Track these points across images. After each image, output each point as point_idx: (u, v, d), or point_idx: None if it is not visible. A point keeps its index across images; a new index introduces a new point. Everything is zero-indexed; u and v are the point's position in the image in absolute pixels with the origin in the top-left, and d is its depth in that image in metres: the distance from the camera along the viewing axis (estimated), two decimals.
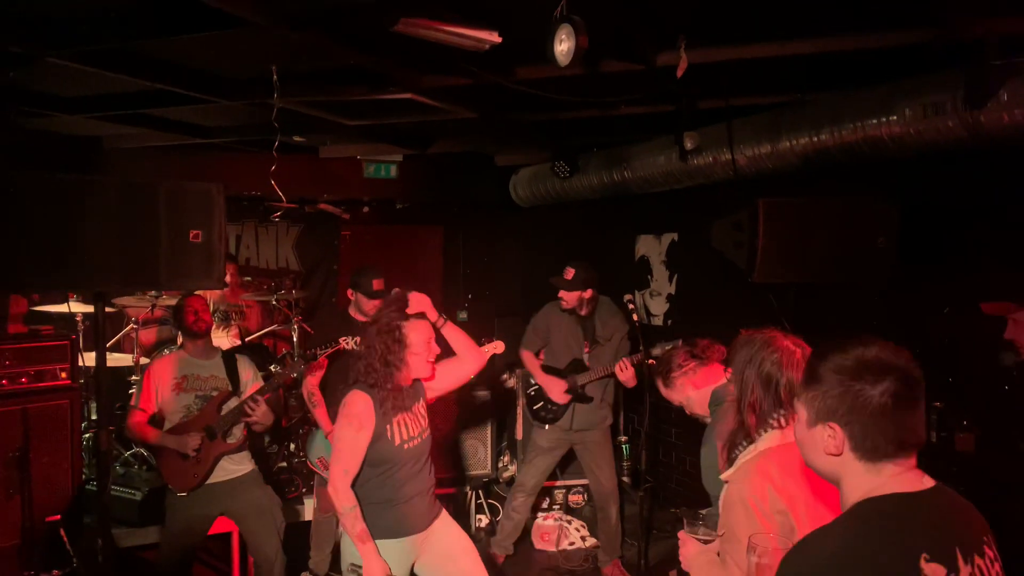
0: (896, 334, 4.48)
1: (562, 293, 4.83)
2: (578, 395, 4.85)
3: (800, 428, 1.56)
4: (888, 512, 1.41)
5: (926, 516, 1.42)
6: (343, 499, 3.04)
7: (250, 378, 4.22)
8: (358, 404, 3.09)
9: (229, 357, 4.23)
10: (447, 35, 2.87)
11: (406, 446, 3.16)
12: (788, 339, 2.19)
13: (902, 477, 1.45)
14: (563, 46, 2.38)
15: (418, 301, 3.27)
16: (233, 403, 4.05)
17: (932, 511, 1.44)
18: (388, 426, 3.11)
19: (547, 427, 4.95)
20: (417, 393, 3.31)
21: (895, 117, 3.54)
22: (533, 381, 5.03)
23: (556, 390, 4.86)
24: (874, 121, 3.63)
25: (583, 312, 4.87)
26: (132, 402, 4.05)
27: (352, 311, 4.68)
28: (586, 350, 4.88)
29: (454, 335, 3.42)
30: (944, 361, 4.06)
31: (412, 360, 3.19)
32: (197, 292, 4.33)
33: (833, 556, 1.36)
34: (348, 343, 4.56)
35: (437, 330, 3.34)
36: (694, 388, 3.07)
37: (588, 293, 4.81)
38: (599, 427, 5.01)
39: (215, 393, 4.07)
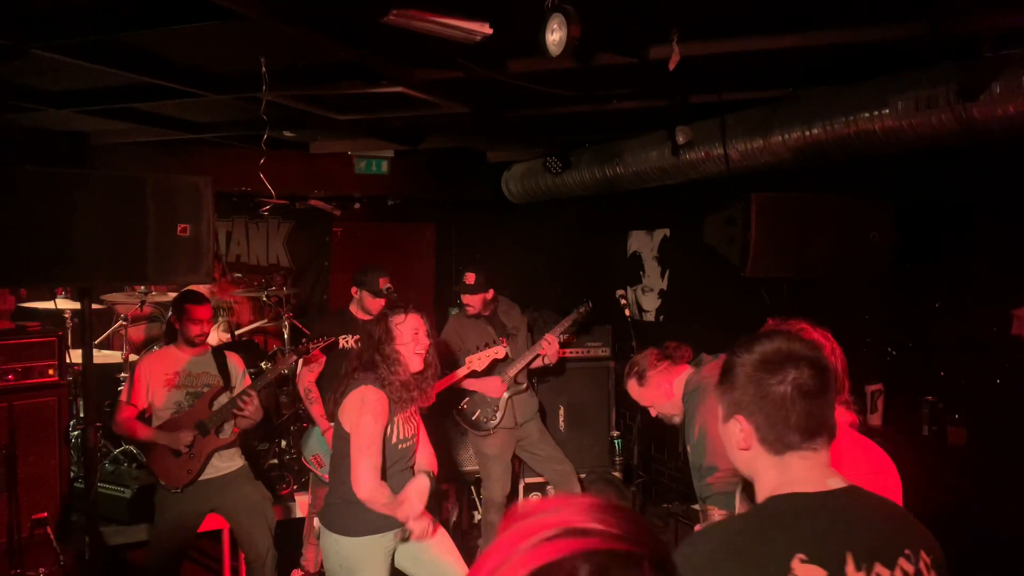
0: (890, 328, 4.50)
1: (466, 299, 4.85)
2: (513, 386, 4.88)
3: (720, 427, 1.54)
4: (779, 510, 1.39)
5: (817, 516, 1.38)
6: (381, 493, 3.04)
7: (240, 374, 4.19)
8: (375, 397, 3.08)
9: (219, 353, 4.20)
10: (438, 26, 2.85)
11: (400, 446, 3.18)
12: (817, 331, 2.16)
13: (809, 475, 1.42)
14: (555, 36, 2.36)
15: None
16: (224, 398, 4.02)
17: (827, 511, 1.39)
18: (390, 424, 3.13)
19: (492, 433, 4.92)
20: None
21: (887, 111, 3.53)
22: (460, 395, 4.95)
23: (491, 386, 4.84)
24: (866, 115, 3.62)
25: (487, 313, 4.90)
26: (122, 397, 4.00)
27: (354, 308, 4.65)
28: (503, 344, 4.90)
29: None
30: (936, 355, 4.07)
31: (403, 352, 3.16)
32: (201, 295, 4.22)
33: (713, 550, 1.36)
34: (348, 342, 4.54)
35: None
36: (668, 385, 3.12)
37: (491, 294, 4.87)
38: (536, 416, 5.07)
39: (206, 389, 4.03)
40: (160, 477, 3.93)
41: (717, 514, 2.60)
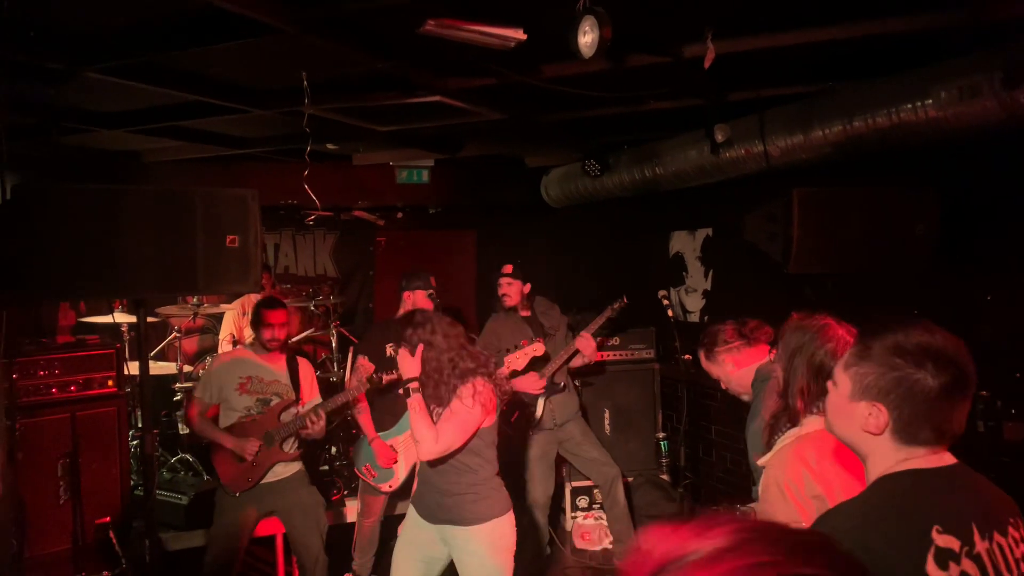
0: (939, 323, 4.40)
1: (504, 286, 4.89)
2: (551, 385, 4.88)
3: (836, 398, 1.54)
4: (905, 486, 1.43)
5: (943, 490, 1.43)
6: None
7: (308, 386, 4.27)
8: (487, 390, 3.11)
9: (292, 361, 4.28)
10: (473, 34, 2.90)
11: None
12: (842, 327, 2.15)
13: (927, 458, 1.46)
14: (587, 38, 2.39)
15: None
16: (293, 411, 4.11)
17: (950, 486, 1.44)
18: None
19: (532, 434, 4.94)
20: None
21: (930, 101, 3.47)
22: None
23: (529, 383, 4.84)
24: (908, 106, 3.56)
25: (525, 312, 4.93)
26: (196, 393, 4.13)
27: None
28: (540, 342, 4.90)
29: (411, 412, 3.13)
30: (990, 350, 3.97)
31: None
32: (277, 300, 4.32)
33: (850, 529, 1.37)
34: (393, 351, 4.60)
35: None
36: (736, 366, 3.09)
37: (527, 287, 4.92)
38: (576, 416, 5.07)
39: (275, 399, 4.12)
40: (222, 478, 4.04)
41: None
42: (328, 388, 5.96)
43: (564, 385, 4.97)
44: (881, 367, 1.45)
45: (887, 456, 1.47)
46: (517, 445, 5.22)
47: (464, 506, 3.17)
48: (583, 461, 5.08)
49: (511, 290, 4.89)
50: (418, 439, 3.08)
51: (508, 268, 4.92)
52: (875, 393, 1.46)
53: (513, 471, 4.66)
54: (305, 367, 4.31)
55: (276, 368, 4.19)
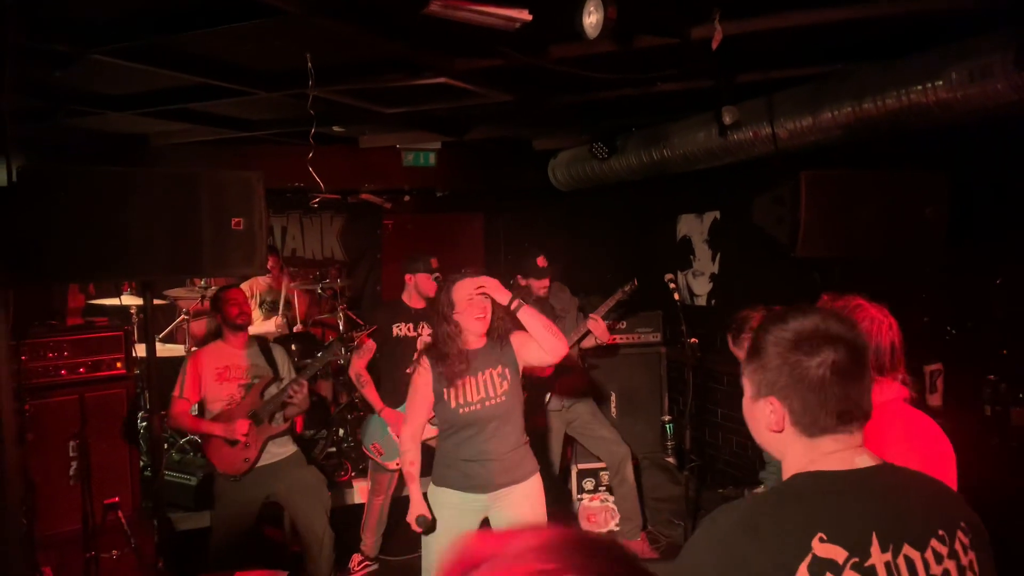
0: (948, 306, 4.38)
1: (535, 283, 4.89)
2: (560, 368, 4.87)
3: (745, 403, 1.49)
4: (802, 488, 1.36)
5: (843, 494, 1.33)
6: (400, 444, 3.41)
7: (287, 365, 4.33)
8: (419, 370, 3.33)
9: (264, 346, 4.33)
10: (478, 15, 2.87)
11: (462, 411, 3.25)
12: (873, 307, 2.11)
13: (839, 455, 1.38)
14: (591, 18, 2.37)
15: (488, 283, 3.26)
16: (274, 389, 4.14)
17: (855, 490, 1.34)
18: (445, 390, 3.27)
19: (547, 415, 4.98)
20: (495, 359, 3.31)
21: (940, 83, 3.43)
22: None
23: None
24: (919, 88, 3.52)
25: (543, 294, 4.92)
26: (175, 392, 4.14)
27: (406, 297, 4.75)
28: None
29: (531, 319, 3.26)
30: (998, 333, 3.95)
31: (461, 319, 3.25)
32: (239, 285, 4.42)
33: (731, 525, 1.32)
34: (401, 330, 4.63)
35: (512, 315, 3.31)
36: None
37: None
38: (587, 397, 5.09)
39: (256, 381, 4.16)
40: (218, 467, 4.07)
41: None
42: (337, 371, 6.00)
43: (571, 368, 4.96)
44: (770, 360, 1.40)
45: (797, 455, 1.40)
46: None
47: (523, 463, 3.36)
48: (592, 440, 5.09)
49: (544, 284, 4.89)
50: (548, 340, 3.23)
51: (542, 261, 4.89)
52: (766, 388, 1.41)
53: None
54: (278, 350, 4.36)
55: (250, 352, 4.24)
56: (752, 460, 5.42)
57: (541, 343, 3.26)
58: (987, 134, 3.74)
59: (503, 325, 3.31)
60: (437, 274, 4.66)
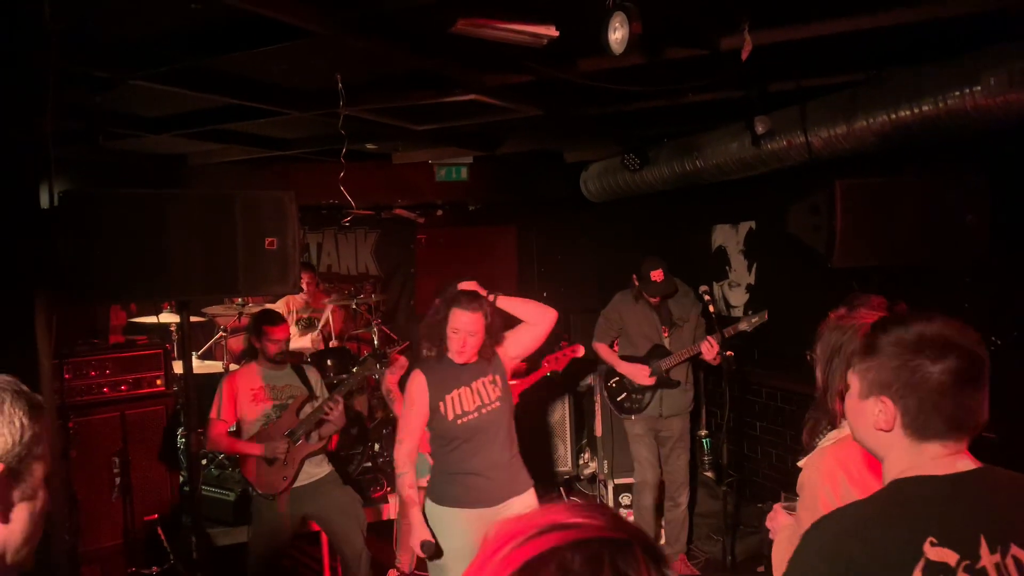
0: (991, 316, 4.26)
1: (653, 298, 4.80)
2: (663, 379, 4.79)
3: (850, 400, 1.50)
4: (907, 494, 1.36)
5: (950, 499, 1.35)
6: (396, 466, 3.27)
7: (320, 385, 4.36)
8: (411, 382, 3.29)
9: (298, 368, 4.37)
10: (504, 32, 2.89)
11: (459, 421, 3.25)
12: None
13: (942, 460, 1.38)
14: (617, 34, 2.36)
15: (466, 284, 3.35)
16: (309, 408, 4.17)
17: (961, 493, 1.35)
18: (441, 402, 3.24)
19: (633, 418, 4.89)
20: (485, 369, 3.34)
21: (979, 88, 3.35)
22: (612, 373, 4.97)
23: (641, 374, 4.79)
24: (956, 93, 3.45)
25: (655, 303, 4.83)
26: (212, 413, 4.16)
27: None
28: (664, 334, 4.83)
29: (511, 304, 3.42)
30: None
31: (449, 341, 3.27)
32: (278, 316, 4.38)
33: (837, 535, 1.33)
34: None
35: (492, 304, 3.34)
36: None
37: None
38: (685, 412, 4.95)
39: (291, 401, 4.19)
40: (257, 486, 4.10)
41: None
42: (373, 386, 6.04)
43: (679, 382, 4.85)
44: (883, 360, 1.41)
45: (901, 457, 1.41)
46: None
47: (521, 472, 3.38)
48: (666, 457, 4.96)
49: (657, 298, 4.82)
50: (531, 311, 3.37)
51: (659, 275, 4.77)
52: (880, 387, 1.41)
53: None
54: (311, 369, 4.40)
55: (285, 373, 4.27)
56: (792, 473, 5.32)
57: (527, 317, 3.39)
58: None
59: (492, 346, 3.32)
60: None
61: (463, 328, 3.21)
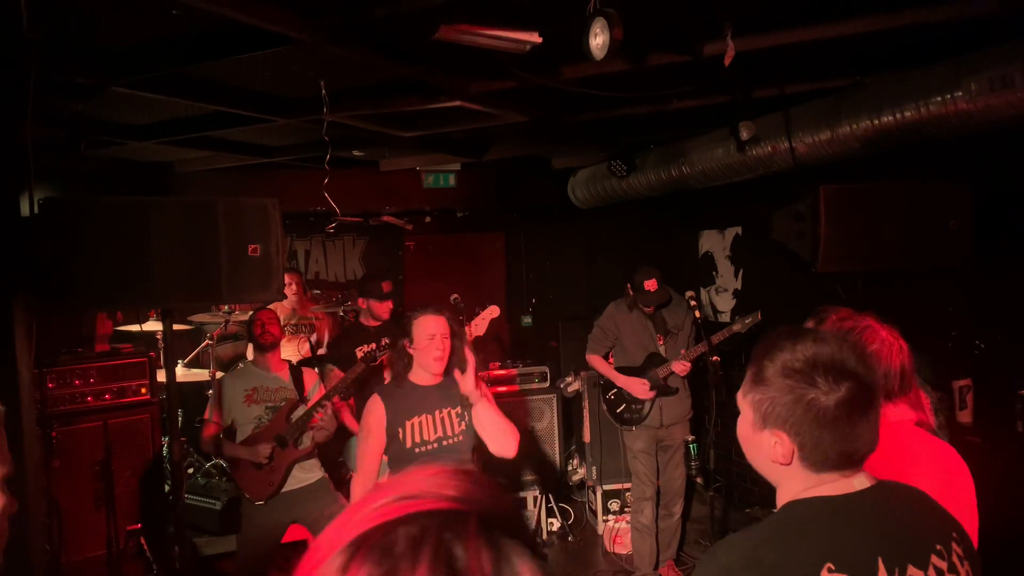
0: (977, 320, 4.27)
1: (647, 307, 4.79)
2: (663, 389, 4.78)
3: (742, 427, 1.44)
4: (803, 517, 1.31)
5: (847, 520, 1.30)
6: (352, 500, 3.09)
7: (314, 385, 4.33)
8: (368, 410, 3.11)
9: (295, 369, 4.34)
10: (487, 39, 2.89)
11: (417, 450, 3.10)
12: (884, 329, 2.07)
13: (835, 483, 1.34)
14: (598, 40, 2.36)
15: (446, 330, 3.15)
16: (300, 411, 4.16)
17: (857, 514, 1.31)
18: (400, 428, 3.09)
19: (635, 428, 4.87)
20: (452, 398, 3.18)
21: (960, 93, 3.37)
22: (610, 385, 4.93)
23: (639, 388, 4.77)
24: (938, 99, 3.47)
25: (649, 311, 4.83)
26: (205, 416, 4.19)
27: (364, 319, 4.81)
28: (660, 342, 4.82)
29: (482, 417, 3.10)
30: None
31: (417, 356, 3.13)
32: (268, 306, 4.44)
33: (733, 562, 1.28)
34: (360, 351, 4.55)
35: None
36: None
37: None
38: (685, 420, 4.93)
39: (283, 403, 4.18)
40: (244, 490, 4.08)
41: None
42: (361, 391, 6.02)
43: (678, 389, 4.83)
44: (775, 392, 1.34)
45: (795, 485, 1.36)
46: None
47: None
48: (665, 465, 4.93)
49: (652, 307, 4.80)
50: (504, 437, 3.07)
51: (652, 284, 4.71)
52: (774, 420, 1.35)
53: None
54: (308, 374, 4.37)
55: (280, 375, 4.26)
56: None
57: (491, 444, 3.10)
58: (1015, 142, 3.67)
59: (459, 359, 3.12)
60: (388, 300, 4.71)
61: (438, 331, 3.09)
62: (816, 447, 1.32)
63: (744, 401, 1.43)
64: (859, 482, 1.35)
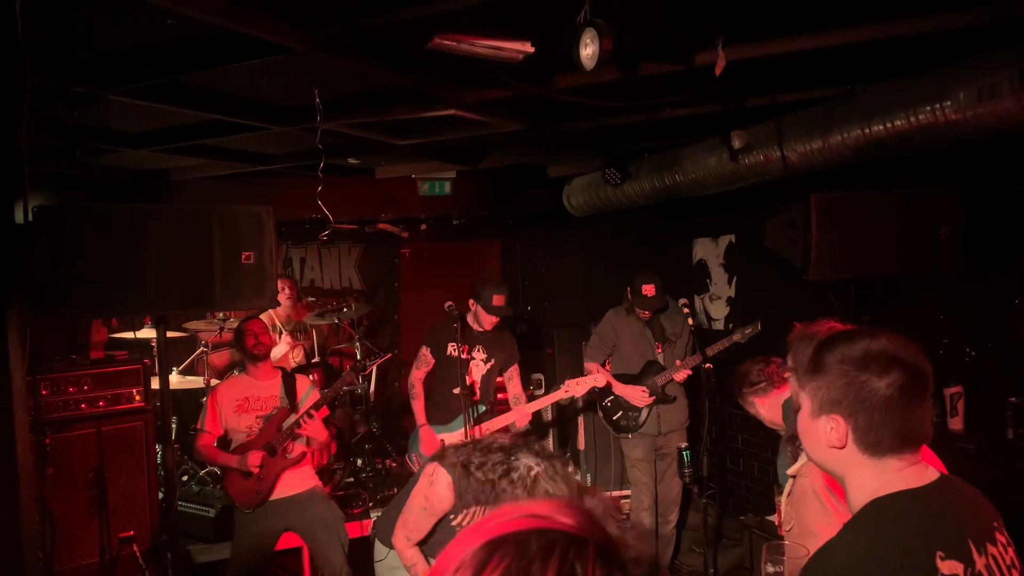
0: (968, 328, 4.29)
1: (643, 312, 4.80)
2: (661, 396, 4.78)
3: (802, 419, 1.51)
4: (898, 511, 1.36)
5: (936, 511, 1.37)
6: (406, 559, 2.90)
7: (305, 393, 4.33)
8: (440, 486, 2.76)
9: (288, 377, 4.35)
10: (481, 48, 2.92)
11: (459, 529, 2.89)
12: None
13: (907, 472, 1.39)
14: (588, 50, 2.39)
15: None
16: (291, 420, 4.16)
17: (942, 505, 1.38)
18: (455, 516, 2.82)
19: (631, 436, 4.86)
20: None
21: (949, 103, 3.41)
22: (607, 393, 4.93)
23: (637, 396, 4.77)
24: (928, 108, 3.51)
25: (646, 317, 4.84)
26: (198, 424, 4.19)
27: (470, 320, 4.72)
28: (659, 350, 4.83)
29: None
30: (1020, 354, 3.88)
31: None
32: (259, 316, 4.46)
33: (853, 558, 1.31)
34: (454, 349, 4.59)
35: None
36: (764, 404, 3.11)
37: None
38: (682, 427, 4.93)
39: (275, 412, 4.19)
40: (234, 499, 4.09)
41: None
42: (354, 400, 6.03)
43: (675, 397, 4.85)
44: (831, 378, 1.42)
45: (864, 476, 1.41)
46: None
47: None
48: (662, 473, 4.95)
49: (649, 313, 4.81)
50: None
51: (650, 290, 4.76)
52: (829, 405, 1.42)
53: None
54: (302, 380, 4.38)
55: (271, 384, 4.27)
56: (774, 485, 5.34)
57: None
58: (1006, 150, 3.70)
59: None
60: (495, 315, 4.57)
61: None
62: (869, 428, 1.39)
63: (802, 393, 1.50)
64: (931, 473, 1.42)
